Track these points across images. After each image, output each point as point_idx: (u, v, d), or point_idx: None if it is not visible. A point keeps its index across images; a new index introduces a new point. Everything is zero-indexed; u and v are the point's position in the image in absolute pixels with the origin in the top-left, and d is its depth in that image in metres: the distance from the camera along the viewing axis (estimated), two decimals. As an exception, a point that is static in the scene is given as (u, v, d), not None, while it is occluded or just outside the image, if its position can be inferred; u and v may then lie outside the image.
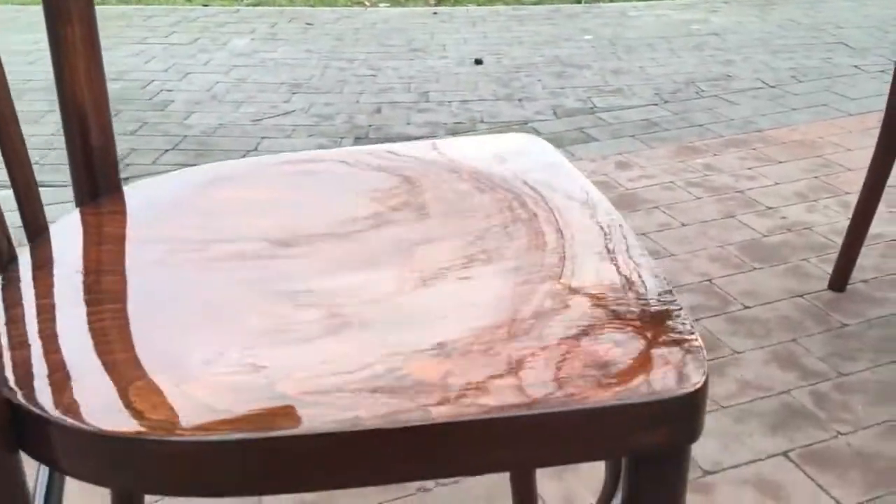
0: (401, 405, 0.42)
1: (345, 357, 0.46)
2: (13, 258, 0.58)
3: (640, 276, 0.53)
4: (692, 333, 0.47)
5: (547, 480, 1.05)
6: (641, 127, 2.33)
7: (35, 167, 2.12)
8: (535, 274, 0.53)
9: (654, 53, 3.14)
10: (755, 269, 1.55)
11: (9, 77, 2.83)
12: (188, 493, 0.42)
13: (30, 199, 0.62)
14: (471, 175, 0.68)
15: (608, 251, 0.56)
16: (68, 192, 1.94)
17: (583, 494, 1.03)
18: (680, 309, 0.49)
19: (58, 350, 0.47)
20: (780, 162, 2.04)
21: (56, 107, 2.51)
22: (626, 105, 2.53)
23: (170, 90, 2.73)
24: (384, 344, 0.47)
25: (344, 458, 0.41)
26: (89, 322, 0.50)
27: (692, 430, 0.44)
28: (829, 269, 1.54)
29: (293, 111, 2.51)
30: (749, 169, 2.01)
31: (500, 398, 0.42)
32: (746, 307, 1.43)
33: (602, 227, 0.59)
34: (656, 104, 2.53)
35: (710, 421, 1.16)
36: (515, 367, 0.44)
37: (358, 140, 2.27)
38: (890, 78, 2.73)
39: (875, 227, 1.68)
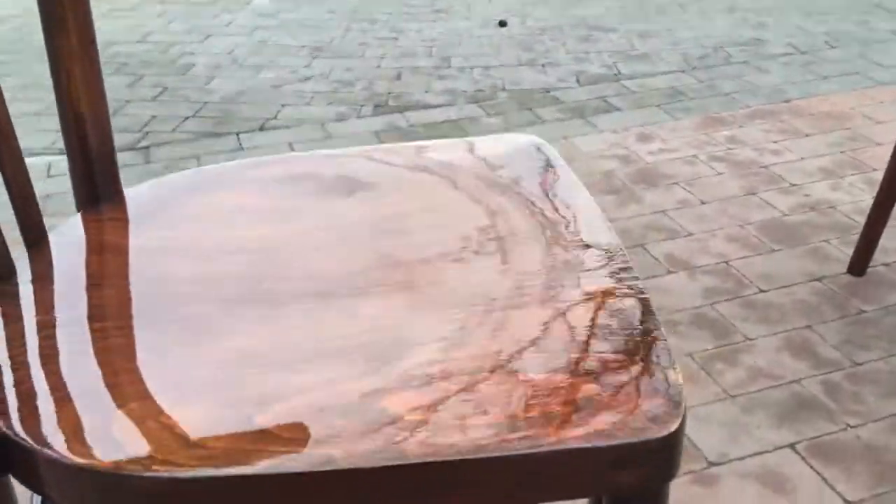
0: (375, 443, 0.42)
1: (324, 387, 0.46)
2: (12, 270, 0.59)
3: (627, 305, 0.52)
4: (673, 369, 0.46)
5: None
6: (666, 96, 2.28)
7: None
8: (517, 299, 0.53)
9: (685, 14, 3.06)
10: (774, 250, 1.53)
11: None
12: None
13: (27, 206, 0.62)
14: (460, 182, 0.67)
15: (598, 276, 0.55)
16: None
17: None
18: (664, 342, 0.48)
19: (51, 373, 0.48)
20: (807, 135, 2.00)
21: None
22: (652, 72, 2.47)
23: (191, 53, 2.72)
24: (363, 374, 0.47)
25: (318, 496, 0.42)
26: (78, 343, 0.50)
27: (668, 470, 0.44)
28: (850, 251, 1.51)
29: (313, 76, 2.50)
30: (774, 142, 1.96)
31: (475, 437, 0.42)
32: (762, 291, 1.41)
33: (595, 249, 0.58)
34: (683, 71, 2.48)
35: (719, 410, 1.16)
36: (492, 404, 0.44)
37: (377, 108, 2.25)
38: (928, 44, 2.64)
39: (900, 207, 1.64)
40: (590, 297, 0.53)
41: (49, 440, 0.43)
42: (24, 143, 2.08)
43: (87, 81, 0.65)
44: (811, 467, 1.06)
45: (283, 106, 2.29)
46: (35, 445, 0.43)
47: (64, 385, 0.47)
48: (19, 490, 0.56)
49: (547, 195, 0.65)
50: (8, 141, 0.60)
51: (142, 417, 0.44)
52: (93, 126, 0.66)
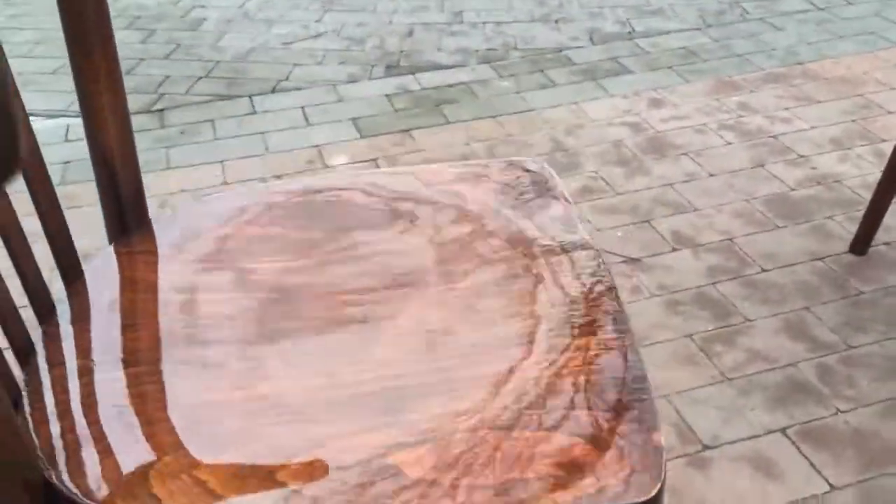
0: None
1: (337, 441, 0.51)
2: (52, 310, 0.63)
3: (615, 356, 0.56)
4: (656, 430, 0.51)
5: None
6: (680, 56, 2.27)
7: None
8: (505, 350, 0.57)
9: (702, -36, 3.00)
10: (778, 227, 1.55)
11: None
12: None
13: (62, 243, 0.66)
14: (460, 217, 0.71)
15: (586, 324, 0.59)
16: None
17: None
18: (650, 400, 0.53)
19: (92, 422, 0.53)
20: (819, 102, 1.99)
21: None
22: (667, 29, 2.45)
23: (203, 6, 2.71)
24: (375, 427, 0.52)
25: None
26: (116, 391, 0.55)
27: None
28: (854, 227, 1.53)
29: (324, 33, 2.49)
30: (786, 109, 1.97)
31: (468, 498, 0.47)
32: (764, 270, 1.45)
33: (586, 296, 0.62)
34: (698, 28, 2.45)
35: (715, 392, 1.21)
36: (483, 465, 0.49)
37: (388, 69, 2.25)
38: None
39: (907, 182, 1.65)
40: (580, 348, 0.57)
41: (94, 494, 0.49)
42: (41, 104, 2.11)
43: (115, 110, 0.69)
44: (800, 452, 1.12)
45: (294, 66, 2.30)
46: (82, 498, 0.49)
47: (104, 436, 0.52)
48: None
49: (536, 236, 0.69)
50: (44, 184, 0.64)
51: (177, 471, 0.50)
52: (121, 159, 0.70)
